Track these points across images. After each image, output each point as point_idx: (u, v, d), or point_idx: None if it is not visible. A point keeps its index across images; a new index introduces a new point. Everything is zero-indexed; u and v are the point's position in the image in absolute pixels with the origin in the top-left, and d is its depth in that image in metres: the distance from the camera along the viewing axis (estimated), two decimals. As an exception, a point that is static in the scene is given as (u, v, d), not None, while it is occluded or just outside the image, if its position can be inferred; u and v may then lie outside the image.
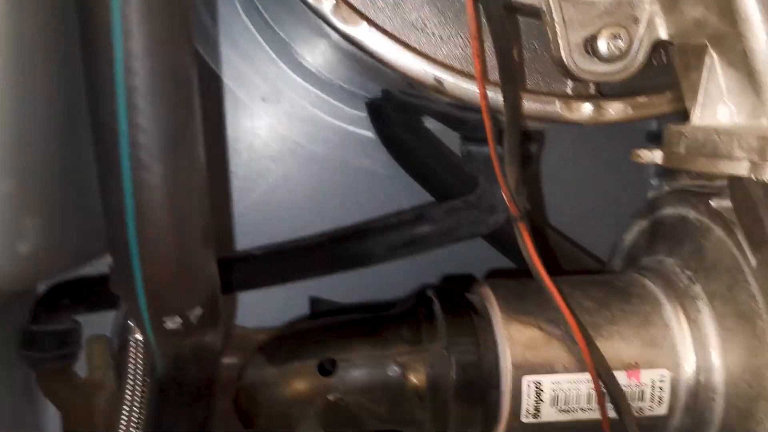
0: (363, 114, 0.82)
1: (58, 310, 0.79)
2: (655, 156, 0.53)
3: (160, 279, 0.39)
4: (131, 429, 0.59)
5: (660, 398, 0.51)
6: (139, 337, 0.59)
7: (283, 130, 0.83)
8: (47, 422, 0.84)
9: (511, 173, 0.47)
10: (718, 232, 0.50)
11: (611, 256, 0.67)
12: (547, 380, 0.49)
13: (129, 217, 0.36)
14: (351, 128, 0.84)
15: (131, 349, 0.59)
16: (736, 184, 0.46)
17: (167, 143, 0.35)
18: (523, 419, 0.50)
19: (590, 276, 0.57)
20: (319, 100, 0.83)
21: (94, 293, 0.78)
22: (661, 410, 0.51)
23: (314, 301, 0.81)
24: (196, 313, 0.42)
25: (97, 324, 0.82)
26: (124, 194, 0.35)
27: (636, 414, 0.50)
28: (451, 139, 0.71)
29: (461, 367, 0.50)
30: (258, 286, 0.73)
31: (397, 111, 0.76)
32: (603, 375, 0.47)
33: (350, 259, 0.69)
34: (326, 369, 0.51)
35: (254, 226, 0.83)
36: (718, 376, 0.50)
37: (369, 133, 0.83)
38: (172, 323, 0.42)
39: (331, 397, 0.50)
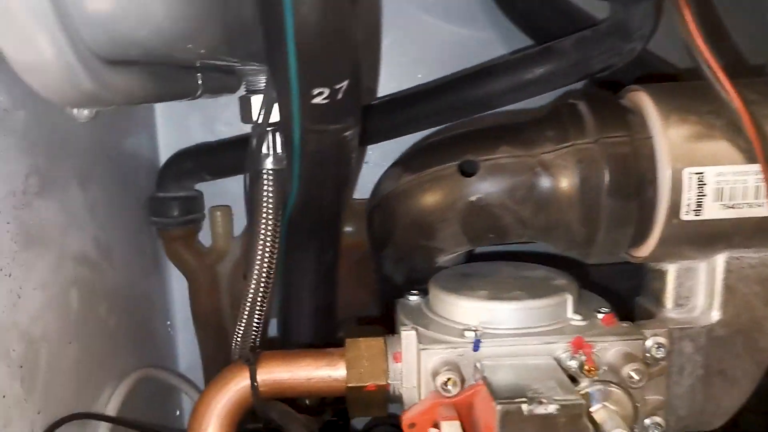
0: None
1: (182, 177, 0.80)
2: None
3: (312, 33, 0.37)
4: (265, 261, 0.60)
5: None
6: (271, 166, 0.60)
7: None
8: (173, 286, 0.87)
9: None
10: None
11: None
12: (710, 171, 0.46)
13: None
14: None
15: (264, 180, 0.60)
16: None
17: None
18: (683, 216, 0.47)
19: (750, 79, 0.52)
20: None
21: (215, 159, 0.80)
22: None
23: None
24: (343, 85, 0.41)
25: (218, 195, 0.84)
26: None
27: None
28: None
29: (614, 160, 0.47)
30: (383, 137, 0.72)
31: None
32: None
33: (476, 102, 0.66)
34: (467, 170, 0.49)
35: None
36: None
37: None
38: (320, 97, 0.41)
39: (473, 198, 0.49)
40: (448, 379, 0.44)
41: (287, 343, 0.68)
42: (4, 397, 0.47)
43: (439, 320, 0.49)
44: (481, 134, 0.52)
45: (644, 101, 0.48)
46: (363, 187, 0.82)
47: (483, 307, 0.48)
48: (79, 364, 0.59)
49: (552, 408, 0.38)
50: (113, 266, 0.68)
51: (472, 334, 0.46)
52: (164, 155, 0.83)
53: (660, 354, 0.47)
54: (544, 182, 0.49)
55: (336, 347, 0.51)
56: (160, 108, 0.84)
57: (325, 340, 0.68)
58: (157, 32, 0.35)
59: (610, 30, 0.60)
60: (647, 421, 0.48)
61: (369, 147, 0.80)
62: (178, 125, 0.84)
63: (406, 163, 0.52)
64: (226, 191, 0.84)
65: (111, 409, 0.64)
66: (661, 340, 0.47)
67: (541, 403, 0.38)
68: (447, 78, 0.70)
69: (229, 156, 0.79)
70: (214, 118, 0.83)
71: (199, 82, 0.57)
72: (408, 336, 0.48)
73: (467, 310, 0.48)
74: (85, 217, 0.63)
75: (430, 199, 0.50)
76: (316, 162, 0.48)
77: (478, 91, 0.65)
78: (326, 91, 0.40)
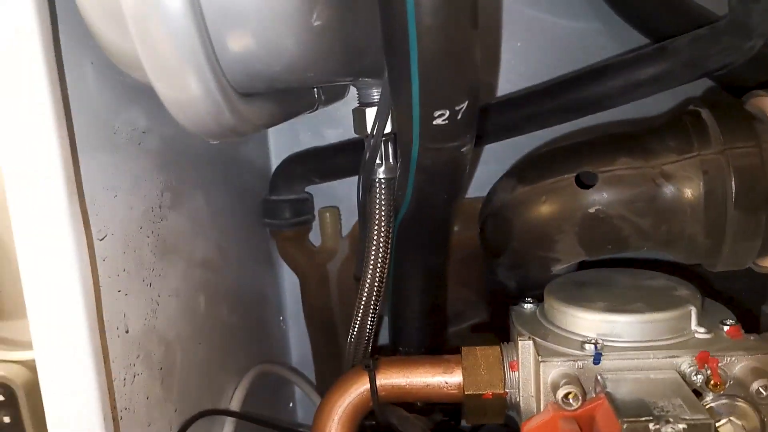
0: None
1: (293, 181, 0.83)
2: None
3: (435, 59, 0.38)
4: (378, 266, 0.62)
5: None
6: (383, 176, 0.62)
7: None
8: (285, 284, 0.91)
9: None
10: None
11: None
12: None
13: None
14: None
15: (377, 189, 0.62)
16: None
17: None
18: (815, 228, 0.45)
19: None
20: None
21: (323, 163, 0.82)
22: None
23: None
24: (462, 106, 0.41)
25: (326, 197, 0.87)
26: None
27: None
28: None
29: (741, 172, 0.46)
30: (493, 138, 0.72)
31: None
32: None
33: (589, 102, 0.65)
34: (585, 182, 0.49)
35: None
36: None
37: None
38: (441, 119, 0.42)
39: (591, 210, 0.49)
40: (570, 392, 0.44)
41: (397, 344, 0.70)
42: (148, 398, 0.51)
43: (556, 331, 0.50)
44: (598, 145, 0.51)
45: (771, 108, 0.47)
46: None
47: (603, 319, 0.48)
48: (207, 364, 0.63)
49: (680, 427, 0.38)
50: (232, 268, 0.72)
51: (593, 347, 0.46)
52: (275, 161, 0.86)
53: (790, 368, 0.46)
54: (667, 194, 0.48)
55: (447, 351, 0.53)
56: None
57: (434, 342, 0.70)
58: (288, 66, 0.37)
59: (728, 28, 0.58)
60: (775, 436, 0.47)
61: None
62: (287, 132, 0.87)
63: (520, 173, 0.53)
64: (334, 193, 0.87)
65: (235, 404, 0.68)
66: (791, 354, 0.46)
67: (668, 422, 0.38)
68: (559, 78, 0.69)
69: (336, 160, 0.82)
70: (319, 124, 0.86)
71: (316, 96, 0.59)
72: (525, 346, 0.49)
73: (586, 322, 0.48)
74: (209, 225, 0.66)
75: (548, 210, 0.51)
76: (430, 176, 0.49)
77: (591, 91, 0.64)
78: (447, 113, 0.41)
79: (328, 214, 0.86)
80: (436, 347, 0.70)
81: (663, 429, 0.38)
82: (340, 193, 0.86)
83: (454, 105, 0.41)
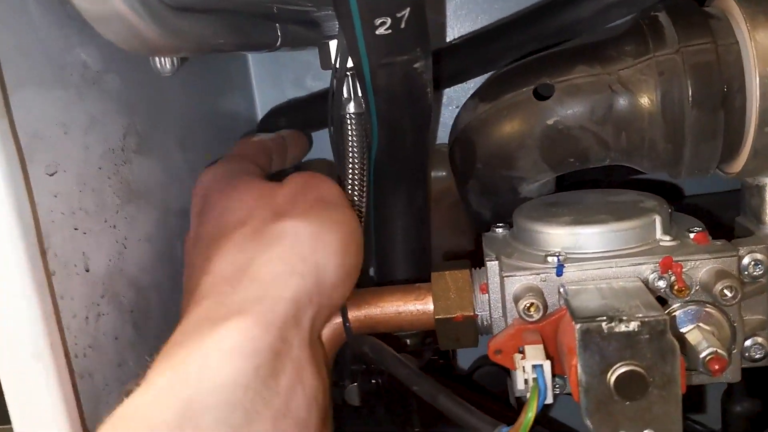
0: None
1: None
2: None
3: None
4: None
5: None
6: (352, 111, 0.61)
7: None
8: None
9: None
10: None
11: None
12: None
13: None
14: None
15: (347, 125, 0.61)
16: None
17: None
18: (777, 124, 0.44)
19: None
20: None
21: (307, 113, 0.82)
22: None
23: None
24: (404, 13, 0.40)
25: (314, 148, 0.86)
26: None
27: None
28: None
29: (696, 70, 0.44)
30: (467, 77, 0.71)
31: None
32: None
33: (560, 31, 0.63)
34: (542, 94, 0.48)
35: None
36: None
37: None
38: (383, 27, 0.41)
39: (549, 122, 0.47)
40: (531, 304, 0.44)
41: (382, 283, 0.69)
42: (116, 339, 0.51)
43: (523, 249, 0.49)
44: (556, 56, 0.50)
45: (729, 4, 0.45)
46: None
47: (566, 233, 0.47)
48: (188, 312, 0.63)
49: (633, 325, 0.37)
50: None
51: (555, 258, 0.45)
52: (261, 113, 0.86)
53: (758, 271, 0.44)
54: (624, 100, 0.47)
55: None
56: (254, 68, 0.87)
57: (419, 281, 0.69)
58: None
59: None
60: (748, 342, 0.46)
61: (455, 89, 0.79)
62: (273, 84, 0.87)
63: (482, 93, 0.52)
64: (320, 144, 0.86)
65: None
66: (759, 256, 0.44)
67: (621, 320, 0.37)
68: (526, 9, 0.68)
69: (319, 109, 0.81)
70: (306, 76, 0.86)
71: (278, 32, 0.58)
72: (492, 266, 0.48)
73: (551, 237, 0.47)
74: (186, 176, 0.66)
75: (508, 126, 0.50)
76: (390, 99, 0.49)
77: (561, 19, 0.63)
78: (388, 21, 0.40)
79: (314, 165, 0.86)
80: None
81: (616, 327, 0.37)
82: (326, 143, 0.86)
83: (395, 12, 0.40)
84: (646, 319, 0.37)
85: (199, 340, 0.38)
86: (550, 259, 0.45)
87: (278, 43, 0.58)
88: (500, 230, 0.54)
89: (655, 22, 0.47)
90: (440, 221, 0.78)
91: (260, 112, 0.87)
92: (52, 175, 0.45)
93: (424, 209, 0.68)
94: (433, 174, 0.80)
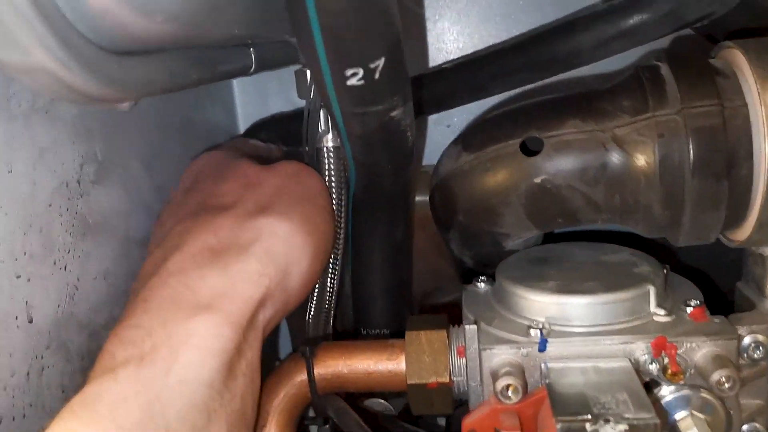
0: None
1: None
2: None
3: (334, 8, 0.33)
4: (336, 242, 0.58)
5: None
6: (330, 144, 0.57)
7: None
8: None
9: None
10: None
11: None
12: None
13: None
14: None
15: (324, 159, 0.57)
16: None
17: None
18: (785, 197, 0.40)
19: None
20: None
21: (290, 129, 0.78)
22: None
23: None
24: (378, 63, 0.36)
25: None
26: None
27: None
28: None
29: (700, 134, 0.40)
30: (454, 103, 0.67)
31: None
32: None
33: (554, 61, 0.59)
34: (530, 148, 0.44)
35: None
36: None
37: None
38: (355, 78, 0.36)
39: (537, 180, 0.43)
40: (509, 385, 0.40)
41: (360, 324, 0.65)
42: (63, 391, 0.47)
43: (504, 314, 0.45)
44: (546, 107, 0.46)
45: (739, 61, 0.41)
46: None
47: (552, 302, 0.43)
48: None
49: (621, 428, 0.33)
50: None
51: (538, 332, 0.41)
52: (243, 126, 0.83)
53: (759, 354, 0.41)
54: (618, 160, 0.42)
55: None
56: (236, 79, 0.83)
57: (398, 321, 0.66)
58: (165, 23, 0.32)
59: (708, -28, 0.52)
60: (745, 428, 0.42)
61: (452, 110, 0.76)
62: (256, 97, 0.83)
63: (465, 140, 0.48)
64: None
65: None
66: (760, 338, 0.41)
67: (607, 421, 0.34)
68: (524, 35, 0.64)
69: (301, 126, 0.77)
70: (290, 88, 0.82)
71: (252, 57, 0.54)
72: (470, 331, 0.44)
73: (535, 304, 0.43)
74: (151, 199, 0.62)
75: (491, 181, 0.46)
76: (364, 144, 0.45)
77: (559, 47, 0.59)
78: (360, 72, 0.36)
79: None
80: (401, 327, 0.66)
81: (601, 429, 0.34)
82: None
83: (368, 62, 0.36)
84: (635, 422, 0.33)
85: (167, 330, 0.38)
86: (533, 332, 0.42)
87: (252, 69, 0.54)
88: (482, 285, 0.50)
89: (656, 75, 0.43)
90: (424, 244, 0.74)
91: (242, 126, 0.83)
92: (-13, 221, 0.41)
93: (405, 243, 0.64)
94: (417, 198, 0.76)
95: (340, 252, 0.61)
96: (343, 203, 0.58)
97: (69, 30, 0.30)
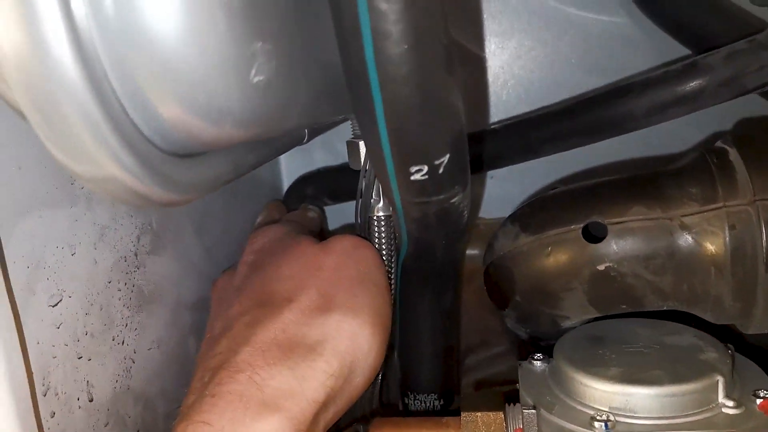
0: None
1: (304, 202, 0.80)
2: None
3: (403, 110, 0.33)
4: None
5: None
6: (381, 214, 0.57)
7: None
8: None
9: None
10: None
11: None
12: None
13: (365, 31, 0.30)
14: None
15: (375, 227, 0.57)
16: None
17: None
18: None
19: None
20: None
21: (335, 184, 0.78)
22: None
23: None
24: (443, 160, 0.36)
25: (339, 217, 0.83)
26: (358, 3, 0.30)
27: None
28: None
29: (774, 227, 0.39)
30: (505, 162, 0.66)
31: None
32: None
33: (608, 124, 0.59)
34: (593, 233, 0.43)
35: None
36: None
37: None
38: (419, 174, 0.36)
39: (600, 267, 0.43)
40: (572, 481, 0.39)
41: (407, 389, 0.65)
42: (121, 466, 0.47)
43: (565, 399, 0.44)
44: (609, 190, 0.45)
45: (815, 149, 0.40)
46: (490, 204, 0.78)
47: (616, 391, 0.42)
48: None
49: None
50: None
51: (603, 425, 0.40)
52: (287, 180, 0.83)
53: (835, 454, 0.39)
54: (687, 249, 0.42)
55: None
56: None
57: (446, 385, 0.65)
58: (230, 127, 0.32)
59: (768, 42, 0.51)
60: None
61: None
62: (300, 150, 0.83)
63: (523, 221, 0.47)
64: (348, 213, 0.82)
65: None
66: (837, 437, 0.39)
67: None
68: (578, 97, 0.63)
69: (348, 181, 0.77)
70: (335, 141, 0.82)
71: (305, 132, 0.54)
72: (529, 417, 0.43)
73: (597, 393, 0.42)
74: (201, 262, 0.62)
75: (552, 265, 0.45)
76: (421, 225, 0.44)
77: (613, 111, 0.58)
78: (425, 168, 0.36)
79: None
80: (449, 390, 0.65)
81: None
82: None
83: (433, 160, 0.36)
84: None
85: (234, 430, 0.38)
86: (597, 425, 0.41)
87: (305, 140, 0.54)
88: (538, 363, 0.49)
89: (724, 161, 0.42)
90: (469, 297, 0.74)
91: (286, 181, 0.83)
92: (55, 305, 0.41)
93: (453, 309, 0.64)
94: (467, 252, 0.76)
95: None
96: (392, 270, 0.58)
97: (140, 140, 0.30)
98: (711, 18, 0.64)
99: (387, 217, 0.56)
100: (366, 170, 0.55)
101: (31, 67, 0.25)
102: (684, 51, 0.67)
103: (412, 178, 0.37)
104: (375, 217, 0.56)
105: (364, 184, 0.54)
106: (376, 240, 0.56)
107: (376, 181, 0.55)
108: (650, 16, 0.68)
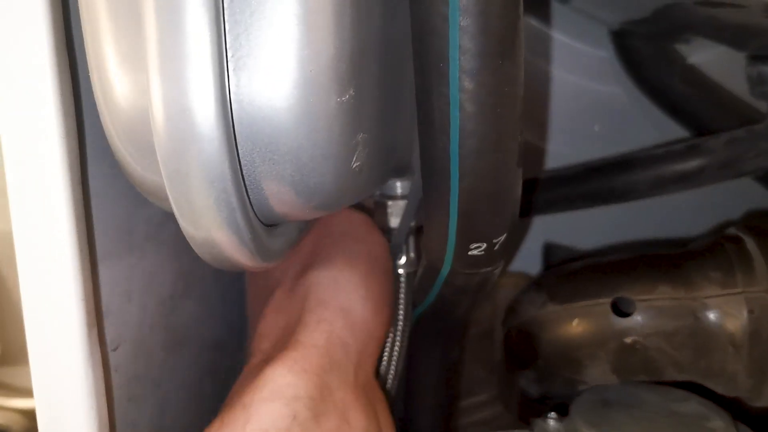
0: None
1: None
2: None
3: (476, 198, 0.36)
4: (393, 359, 0.60)
5: None
6: (404, 270, 0.59)
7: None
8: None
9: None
10: None
11: None
12: None
13: (453, 129, 0.33)
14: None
15: (398, 284, 0.59)
16: None
17: (496, 48, 0.32)
18: None
19: None
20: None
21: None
22: None
23: (550, 248, 0.76)
24: (501, 239, 0.39)
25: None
26: (450, 104, 0.33)
27: None
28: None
29: (790, 314, 0.44)
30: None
31: (648, 39, 0.69)
32: None
33: (609, 193, 0.63)
34: (621, 309, 0.47)
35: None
36: None
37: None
38: (477, 250, 0.40)
39: (628, 340, 0.46)
40: None
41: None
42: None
43: (582, 459, 0.47)
44: (634, 268, 0.49)
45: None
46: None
47: (631, 459, 0.45)
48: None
49: None
50: (242, 345, 0.69)
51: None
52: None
53: None
54: (708, 329, 0.46)
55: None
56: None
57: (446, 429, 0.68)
58: (320, 204, 0.35)
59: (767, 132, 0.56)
60: None
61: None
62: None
63: (551, 289, 0.51)
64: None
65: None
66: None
67: None
68: (585, 164, 0.67)
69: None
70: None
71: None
72: (549, 475, 0.46)
73: (613, 459, 0.46)
74: (219, 304, 0.64)
75: (579, 333, 0.48)
76: (457, 290, 0.47)
77: (617, 181, 0.62)
78: (484, 245, 0.39)
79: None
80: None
81: None
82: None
83: (493, 239, 0.39)
84: None
85: (241, 393, 0.42)
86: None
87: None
88: (552, 422, 0.52)
89: (742, 250, 0.47)
90: (469, 353, 0.76)
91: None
92: (115, 350, 0.43)
93: (457, 365, 0.67)
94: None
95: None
96: (407, 324, 0.60)
97: (253, 216, 0.33)
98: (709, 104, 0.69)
99: (409, 275, 0.58)
100: (395, 232, 0.57)
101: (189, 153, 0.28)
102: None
103: (470, 253, 0.40)
104: (397, 274, 0.58)
105: (391, 243, 0.57)
106: (398, 296, 0.58)
107: (403, 243, 0.57)
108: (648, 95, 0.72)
